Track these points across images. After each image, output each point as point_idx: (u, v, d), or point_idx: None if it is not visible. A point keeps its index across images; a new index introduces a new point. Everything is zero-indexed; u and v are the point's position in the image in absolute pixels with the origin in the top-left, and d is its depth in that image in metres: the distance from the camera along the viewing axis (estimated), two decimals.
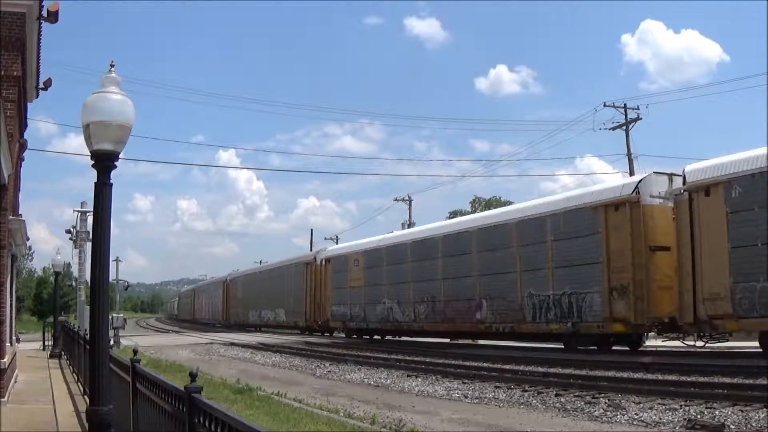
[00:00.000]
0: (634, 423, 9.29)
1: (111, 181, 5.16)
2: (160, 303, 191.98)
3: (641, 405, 10.26)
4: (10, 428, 7.91)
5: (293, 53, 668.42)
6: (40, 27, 11.24)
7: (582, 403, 10.75)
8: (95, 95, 5.08)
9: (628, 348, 18.95)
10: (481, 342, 25.90)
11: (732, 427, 8.62)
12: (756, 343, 16.30)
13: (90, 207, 24.78)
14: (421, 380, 14.89)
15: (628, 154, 33.93)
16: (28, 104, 14.05)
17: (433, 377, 15.20)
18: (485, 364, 16.94)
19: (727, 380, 12.01)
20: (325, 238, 61.92)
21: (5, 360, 10.31)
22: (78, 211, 30.62)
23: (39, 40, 11.75)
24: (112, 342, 17.93)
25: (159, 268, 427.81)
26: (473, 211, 53.53)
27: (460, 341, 26.45)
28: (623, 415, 9.71)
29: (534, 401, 11.40)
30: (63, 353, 19.44)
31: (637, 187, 17.83)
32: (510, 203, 46.33)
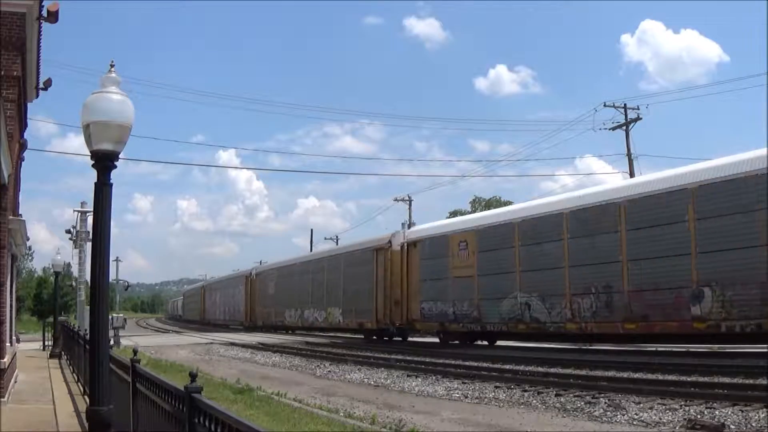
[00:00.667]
0: (634, 423, 9.29)
1: (111, 181, 5.16)
2: (160, 303, 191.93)
3: (641, 405, 10.26)
4: (10, 428, 7.91)
5: (293, 53, 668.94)
6: (40, 27, 11.24)
7: (582, 403, 10.75)
8: (95, 95, 5.08)
9: None
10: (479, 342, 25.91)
11: (732, 427, 8.62)
12: (757, 343, 15.77)
13: (90, 207, 24.77)
14: (421, 380, 14.89)
15: (628, 154, 33.95)
16: (28, 104, 14.05)
17: (433, 377, 15.20)
18: (485, 364, 16.93)
19: (727, 380, 12.01)
20: (325, 238, 61.96)
21: (5, 360, 10.31)
22: (78, 211, 30.64)
23: (39, 40, 11.74)
24: (112, 342, 17.91)
25: (159, 268, 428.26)
26: (473, 211, 53.48)
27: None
28: (623, 415, 9.71)
29: (534, 401, 11.40)
30: (63, 353, 19.44)
31: None
32: (510, 203, 46.35)
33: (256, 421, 7.83)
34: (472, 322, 22.96)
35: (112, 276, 38.45)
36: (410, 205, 49.00)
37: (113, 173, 5.16)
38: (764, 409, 9.26)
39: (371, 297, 28.85)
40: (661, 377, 13.27)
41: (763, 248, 14.18)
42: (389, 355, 20.84)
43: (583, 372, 14.61)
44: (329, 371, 17.76)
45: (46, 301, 61.04)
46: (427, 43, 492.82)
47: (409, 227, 41.21)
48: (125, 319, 32.26)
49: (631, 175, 31.98)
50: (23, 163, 15.92)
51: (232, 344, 29.61)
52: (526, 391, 12.41)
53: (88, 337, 6.92)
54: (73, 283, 46.69)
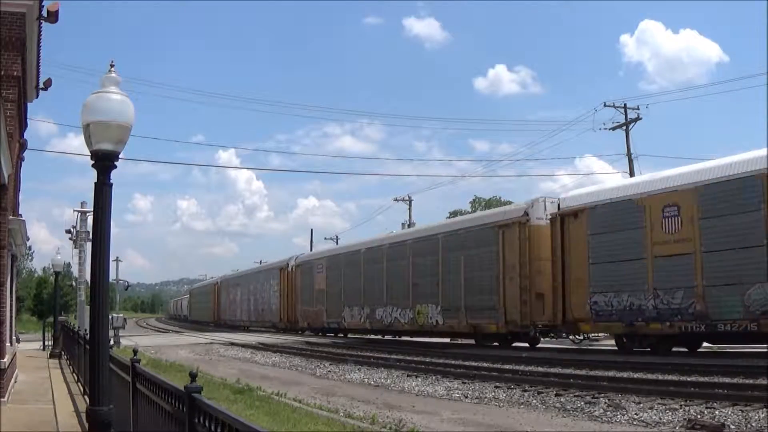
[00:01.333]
0: (634, 423, 9.29)
1: (111, 181, 5.16)
2: (160, 303, 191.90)
3: (641, 405, 10.26)
4: (10, 428, 7.92)
5: (293, 53, 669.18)
6: (40, 27, 11.24)
7: (582, 403, 10.75)
8: (95, 95, 5.08)
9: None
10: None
11: (732, 427, 8.63)
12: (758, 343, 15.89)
13: (90, 207, 24.79)
14: (421, 380, 14.88)
15: (628, 154, 33.97)
16: (28, 104, 14.06)
17: (433, 377, 15.20)
18: (485, 364, 16.93)
19: (727, 380, 12.01)
20: (325, 238, 61.87)
21: (5, 360, 10.31)
22: (78, 211, 30.67)
23: (39, 40, 11.75)
24: (112, 342, 17.92)
25: (159, 268, 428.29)
26: (473, 211, 53.47)
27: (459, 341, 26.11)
28: (623, 415, 9.71)
29: (534, 401, 11.40)
30: (63, 353, 19.45)
31: None
32: (509, 203, 46.35)
33: (256, 421, 7.83)
34: (690, 320, 16.24)
35: (112, 276, 38.43)
36: (410, 205, 49.07)
37: (113, 173, 5.16)
38: (764, 409, 9.26)
39: (494, 289, 21.72)
40: (661, 377, 13.26)
41: None
42: (389, 355, 20.84)
43: (583, 372, 14.61)
44: (329, 371, 17.76)
45: (46, 301, 60.98)
46: (427, 43, 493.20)
47: (409, 227, 40.57)
48: (125, 319, 32.27)
49: (631, 175, 31.97)
50: (23, 163, 15.93)
51: (232, 344, 29.61)
52: (526, 391, 12.41)
53: (88, 337, 6.93)
54: (73, 283, 46.75)
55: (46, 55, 16.22)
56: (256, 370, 18.96)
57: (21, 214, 14.88)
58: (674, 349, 17.43)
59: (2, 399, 9.84)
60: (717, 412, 9.36)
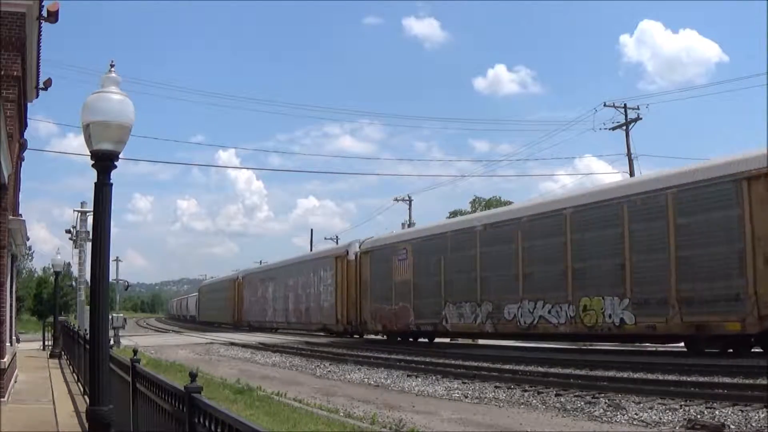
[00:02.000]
0: (634, 423, 9.29)
1: (111, 181, 5.16)
2: (160, 303, 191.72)
3: (641, 405, 10.26)
4: (10, 428, 7.92)
5: (293, 53, 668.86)
6: (40, 27, 11.24)
7: (582, 403, 10.75)
8: (95, 95, 5.08)
9: None
10: (480, 342, 25.89)
11: (732, 427, 8.62)
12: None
13: (90, 207, 24.81)
14: (421, 380, 14.88)
15: (628, 154, 33.94)
16: (28, 104, 14.06)
17: (433, 377, 15.20)
18: (485, 364, 16.93)
19: (727, 380, 12.01)
20: (325, 238, 61.75)
21: (5, 360, 10.31)
22: (78, 211, 30.71)
23: (39, 40, 11.75)
24: (112, 342, 17.93)
25: (159, 268, 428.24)
26: (473, 211, 53.47)
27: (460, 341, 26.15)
28: (623, 415, 9.71)
29: (534, 401, 11.40)
30: (63, 353, 19.45)
31: None
32: (509, 203, 46.33)
33: (256, 421, 7.82)
34: None
35: (112, 276, 38.34)
36: (410, 205, 48.98)
37: (113, 173, 5.16)
38: (764, 409, 9.25)
39: (735, 271, 15.01)
40: (661, 377, 13.26)
41: None
42: (389, 355, 20.83)
43: (583, 372, 14.61)
44: (329, 371, 17.76)
45: (46, 301, 61.00)
46: (427, 43, 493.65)
47: (409, 227, 40.28)
48: (125, 319, 32.26)
49: (631, 175, 31.97)
50: (23, 163, 15.93)
51: (232, 344, 29.61)
52: (526, 391, 12.41)
53: (88, 337, 6.93)
54: (73, 283, 46.69)
55: (46, 55, 16.22)
56: (256, 370, 18.95)
57: (21, 214, 14.88)
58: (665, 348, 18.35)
59: (2, 399, 9.84)
60: (717, 412, 9.36)
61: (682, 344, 17.33)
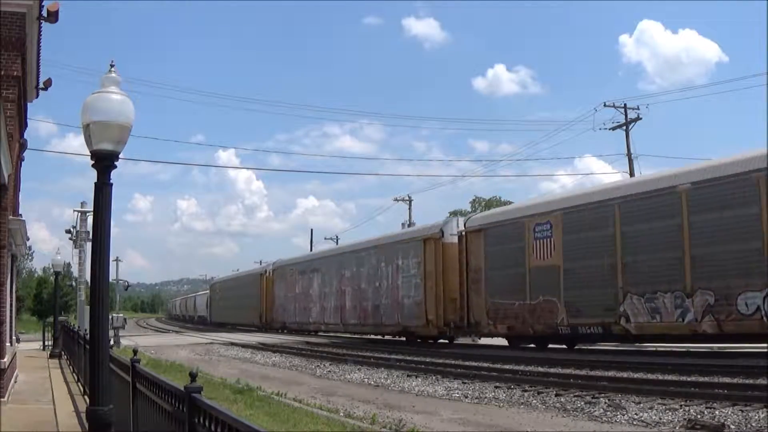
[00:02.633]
0: (634, 423, 9.29)
1: (111, 181, 5.16)
2: (160, 303, 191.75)
3: (641, 405, 10.26)
4: (10, 428, 7.91)
5: (293, 53, 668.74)
6: (40, 27, 11.24)
7: (582, 403, 10.75)
8: (95, 95, 5.08)
9: None
10: (481, 342, 25.85)
11: (732, 427, 8.62)
12: (760, 344, 15.18)
13: (90, 207, 24.78)
14: (421, 380, 14.88)
15: (628, 154, 33.94)
16: (28, 104, 14.06)
17: (433, 377, 15.20)
18: (485, 364, 16.93)
19: (727, 380, 12.01)
20: (325, 238, 61.65)
21: (5, 360, 10.31)
22: (78, 211, 30.67)
23: (39, 40, 11.75)
24: (112, 342, 17.93)
25: (159, 268, 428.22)
26: (473, 211, 53.49)
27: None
28: (623, 415, 9.71)
29: (534, 401, 11.40)
30: (63, 353, 19.44)
31: None
32: (509, 203, 46.34)
33: (256, 421, 7.83)
34: None
35: (112, 276, 38.27)
36: (410, 205, 48.92)
37: (113, 173, 5.16)
38: (764, 409, 9.25)
39: None
40: (661, 377, 13.27)
41: None
42: (389, 355, 20.83)
43: (583, 372, 14.61)
44: (329, 371, 17.76)
45: (46, 301, 61.06)
46: (426, 43, 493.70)
47: (409, 227, 39.68)
48: (125, 319, 32.26)
49: (631, 175, 31.97)
50: (23, 163, 15.94)
51: (232, 344, 29.61)
52: (526, 391, 12.40)
53: (88, 337, 6.93)
54: (73, 283, 46.73)
55: (46, 55, 16.22)
56: (256, 370, 18.95)
57: (21, 214, 14.89)
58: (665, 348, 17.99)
59: (2, 399, 9.84)
60: (717, 412, 9.36)
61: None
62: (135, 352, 5.65)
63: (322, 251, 41.26)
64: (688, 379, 12.61)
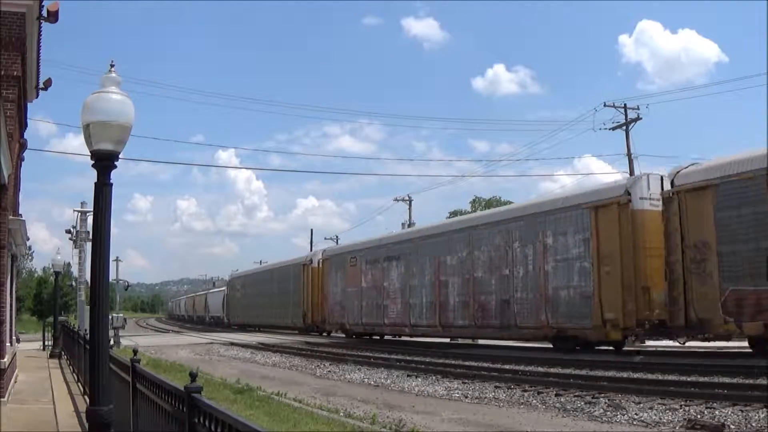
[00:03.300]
0: (634, 423, 9.29)
1: (111, 181, 5.16)
2: (160, 303, 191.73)
3: (641, 405, 10.26)
4: (10, 428, 7.91)
5: (293, 53, 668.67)
6: (40, 27, 11.24)
7: (582, 403, 10.75)
8: (95, 95, 5.08)
9: None
10: (480, 342, 25.84)
11: (732, 427, 8.62)
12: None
13: (90, 207, 24.81)
14: (421, 380, 14.88)
15: (628, 154, 33.93)
16: (28, 104, 14.05)
17: (433, 377, 15.20)
18: (485, 364, 16.93)
19: (727, 380, 12.01)
20: (325, 238, 61.53)
21: (5, 360, 10.31)
22: (78, 211, 30.71)
23: (39, 40, 11.74)
24: (112, 342, 17.93)
25: (159, 268, 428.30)
26: (473, 211, 53.49)
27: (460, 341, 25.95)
28: (623, 415, 9.71)
29: (534, 401, 11.40)
30: (63, 353, 19.45)
31: None
32: (509, 203, 46.36)
33: (256, 421, 7.83)
34: None
35: (112, 276, 38.22)
36: (410, 205, 48.88)
37: (113, 173, 5.16)
38: (764, 409, 9.25)
39: None
40: (661, 377, 13.26)
41: None
42: (389, 355, 20.83)
43: (583, 372, 14.61)
44: (329, 371, 17.76)
45: (46, 301, 60.96)
46: (426, 43, 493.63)
47: (409, 227, 38.92)
48: (125, 319, 32.28)
49: (631, 175, 31.97)
50: (23, 163, 15.92)
51: (232, 344, 29.61)
52: (526, 391, 12.41)
53: (88, 337, 6.92)
54: (73, 283, 46.71)
55: (46, 55, 16.22)
56: (256, 370, 18.96)
57: (21, 214, 14.88)
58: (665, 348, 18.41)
59: (2, 399, 9.84)
60: (717, 412, 9.36)
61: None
62: (135, 352, 5.65)
63: (402, 233, 31.16)
64: (688, 379, 12.61)
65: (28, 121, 15.77)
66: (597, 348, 18.81)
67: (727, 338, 16.26)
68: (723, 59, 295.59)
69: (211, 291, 70.71)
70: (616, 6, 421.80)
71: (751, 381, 11.71)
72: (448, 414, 10.50)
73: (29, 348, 23.69)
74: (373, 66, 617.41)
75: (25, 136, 14.87)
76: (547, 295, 19.62)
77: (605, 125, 34.54)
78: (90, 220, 28.31)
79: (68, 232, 31.51)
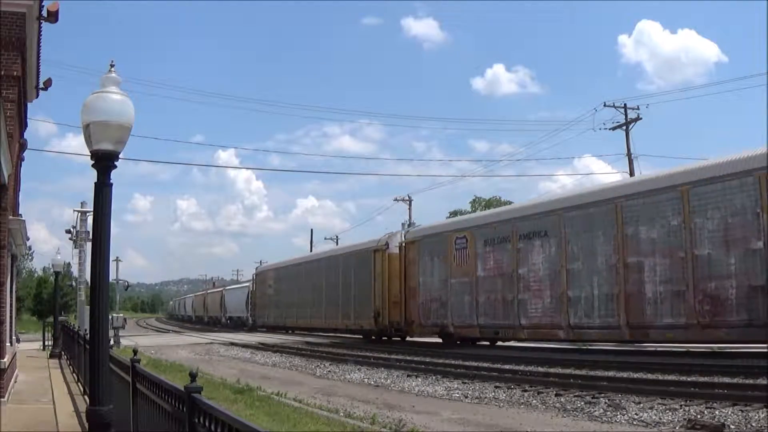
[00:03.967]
0: (634, 423, 9.29)
1: (111, 181, 5.16)
2: (160, 303, 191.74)
3: (641, 405, 10.26)
4: (10, 428, 7.92)
5: (293, 53, 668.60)
6: (40, 27, 11.23)
7: (582, 403, 10.75)
8: (95, 95, 5.08)
9: None
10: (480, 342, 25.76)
11: (732, 427, 8.62)
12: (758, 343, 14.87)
13: (90, 207, 24.80)
14: (421, 380, 14.89)
15: (628, 154, 33.93)
16: (28, 104, 14.06)
17: (433, 377, 15.20)
18: (485, 364, 16.93)
19: (727, 380, 12.01)
20: (325, 238, 61.47)
21: (5, 360, 10.31)
22: (78, 211, 30.69)
23: (39, 40, 11.74)
24: (112, 342, 17.93)
25: (159, 268, 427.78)
26: (473, 211, 53.51)
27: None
28: (623, 415, 9.71)
29: (534, 401, 11.40)
30: (63, 353, 19.45)
31: None
32: (509, 203, 46.36)
33: (256, 421, 7.83)
34: None
35: (112, 276, 38.18)
36: (410, 205, 48.81)
37: (113, 173, 5.16)
38: (764, 409, 9.25)
39: None
40: (661, 377, 13.27)
41: None
42: (389, 355, 20.83)
43: (583, 372, 14.61)
44: (329, 371, 17.76)
45: (46, 301, 60.97)
46: (426, 43, 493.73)
47: (409, 227, 36.64)
48: (125, 319, 32.29)
49: (631, 175, 31.97)
50: (23, 163, 15.93)
51: (232, 344, 29.62)
52: (526, 391, 12.41)
53: (88, 337, 6.93)
54: (73, 283, 46.70)
55: (46, 55, 16.22)
56: (256, 370, 18.96)
57: (21, 214, 14.88)
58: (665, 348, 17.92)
59: (2, 399, 9.84)
60: (717, 412, 9.36)
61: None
62: (135, 352, 5.65)
63: (550, 199, 21.91)
64: (688, 379, 12.61)
65: (28, 121, 15.78)
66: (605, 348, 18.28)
67: None
68: (723, 59, 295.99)
69: (230, 288, 63.00)
70: (616, 6, 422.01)
71: (751, 381, 11.72)
72: (448, 414, 10.51)
73: (29, 348, 23.70)
74: (372, 66, 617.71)
75: (25, 136, 14.88)
76: None
77: (605, 125, 34.57)
78: (90, 220, 28.31)
79: (68, 232, 31.49)
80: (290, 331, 39.46)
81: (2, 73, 9.91)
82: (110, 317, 14.36)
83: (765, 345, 14.14)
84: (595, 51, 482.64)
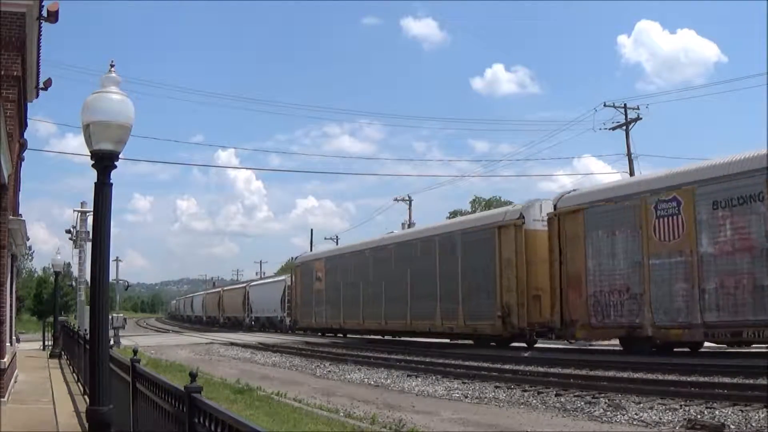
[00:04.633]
0: (634, 423, 9.29)
1: (111, 181, 5.16)
2: (160, 303, 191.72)
3: (641, 405, 10.26)
4: (10, 428, 7.92)
5: (293, 53, 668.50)
6: (40, 27, 11.24)
7: (582, 403, 10.75)
8: (95, 95, 5.08)
9: None
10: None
11: (732, 427, 8.63)
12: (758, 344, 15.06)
13: (90, 207, 24.80)
14: (421, 380, 14.89)
15: (628, 154, 33.95)
16: (28, 104, 14.05)
17: (433, 377, 15.20)
18: (485, 364, 16.93)
19: (727, 380, 12.01)
20: (325, 238, 61.40)
21: (5, 360, 10.31)
22: (78, 211, 30.73)
23: (39, 40, 11.74)
24: (112, 342, 17.93)
25: (159, 268, 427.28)
26: (473, 211, 53.52)
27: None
28: (623, 415, 9.71)
29: (534, 401, 11.40)
30: (63, 353, 19.45)
31: None
32: (509, 203, 46.37)
33: (256, 421, 7.83)
34: None
35: (112, 276, 38.26)
36: (410, 205, 48.84)
37: (113, 173, 5.16)
38: (764, 409, 9.25)
39: None
40: (661, 377, 13.27)
41: None
42: (389, 355, 20.84)
43: (583, 372, 14.61)
44: (329, 371, 17.76)
45: (46, 301, 60.93)
46: (425, 43, 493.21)
47: (409, 227, 36.42)
48: (125, 319, 32.31)
49: (631, 175, 31.97)
50: (23, 163, 15.92)
51: (232, 344, 29.62)
52: (526, 391, 12.41)
53: (88, 337, 6.93)
54: (73, 283, 46.71)
55: (46, 55, 16.23)
56: (256, 370, 18.96)
57: (21, 214, 14.88)
58: None
59: (2, 399, 9.84)
60: (717, 412, 9.36)
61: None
62: (135, 352, 5.65)
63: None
64: (688, 379, 12.61)
65: (28, 121, 15.79)
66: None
67: None
68: (722, 59, 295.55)
69: (256, 283, 54.52)
70: (615, 6, 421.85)
71: (751, 381, 11.72)
72: (448, 414, 10.51)
73: (29, 348, 23.71)
74: (372, 66, 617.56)
75: (25, 136, 14.87)
76: None
77: (605, 125, 34.58)
78: (90, 220, 28.32)
79: (68, 232, 31.55)
80: (346, 335, 33.00)
81: (2, 73, 9.92)
82: (110, 317, 14.37)
83: (765, 345, 14.24)
84: (594, 51, 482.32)
